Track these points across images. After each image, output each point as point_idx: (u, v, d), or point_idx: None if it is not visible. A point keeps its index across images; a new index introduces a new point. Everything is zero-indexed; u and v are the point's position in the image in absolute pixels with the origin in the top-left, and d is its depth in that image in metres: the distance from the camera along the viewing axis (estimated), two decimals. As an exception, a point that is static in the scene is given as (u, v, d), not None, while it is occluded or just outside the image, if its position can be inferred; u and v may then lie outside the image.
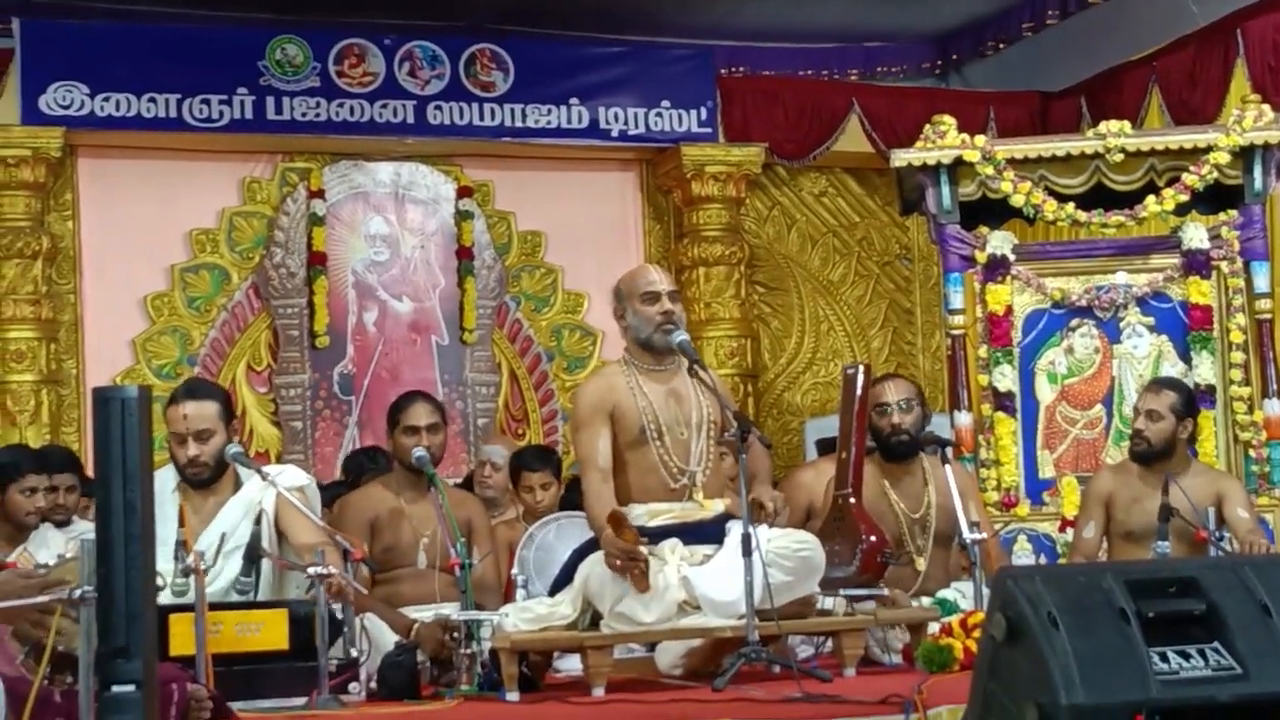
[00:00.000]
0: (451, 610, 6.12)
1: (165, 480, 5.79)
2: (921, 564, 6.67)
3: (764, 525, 5.60)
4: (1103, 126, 8.64)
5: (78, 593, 4.13)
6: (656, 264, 6.18)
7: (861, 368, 6.52)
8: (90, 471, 8.91)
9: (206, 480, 5.84)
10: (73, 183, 10.78)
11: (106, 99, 10.43)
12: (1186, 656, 3.44)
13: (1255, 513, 7.08)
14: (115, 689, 3.31)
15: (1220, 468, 8.00)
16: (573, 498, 7.63)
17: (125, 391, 3.40)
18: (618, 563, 5.43)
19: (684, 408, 5.83)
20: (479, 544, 6.55)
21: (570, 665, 6.02)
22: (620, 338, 6.09)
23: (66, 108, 10.36)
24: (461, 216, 11.37)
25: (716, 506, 5.80)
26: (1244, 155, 8.46)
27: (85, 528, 7.53)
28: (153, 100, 10.51)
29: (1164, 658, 3.41)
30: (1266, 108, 8.61)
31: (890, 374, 7.69)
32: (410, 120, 11.03)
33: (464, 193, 11.41)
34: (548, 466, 7.88)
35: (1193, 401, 7.24)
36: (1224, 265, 8.49)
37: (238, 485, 5.92)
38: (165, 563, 5.12)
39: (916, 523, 6.74)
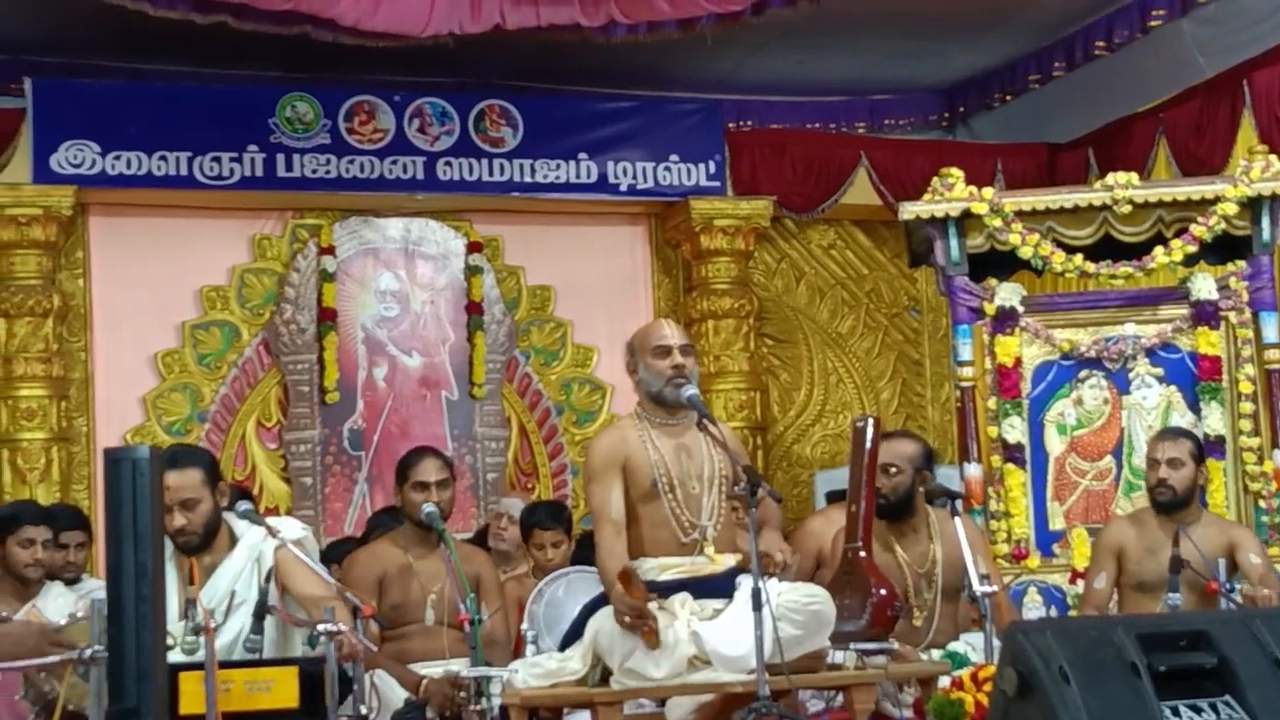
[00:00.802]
0: (460, 666, 6.12)
1: (166, 540, 5.78)
2: (918, 620, 6.65)
3: (773, 577, 5.59)
4: (1110, 178, 8.67)
5: (88, 652, 4.15)
6: (668, 318, 6.17)
7: (871, 421, 6.52)
8: (100, 530, 8.95)
9: (197, 547, 5.80)
10: (84, 241, 10.82)
11: (118, 157, 10.48)
12: (1198, 710, 3.44)
13: (1268, 559, 7.06)
14: (125, 750, 3.32)
15: (1230, 519, 7.98)
16: (583, 553, 7.63)
17: (136, 452, 3.42)
18: (627, 619, 5.42)
19: (695, 462, 5.83)
20: (488, 599, 6.55)
21: (580, 721, 6.01)
22: (632, 392, 6.09)
23: (78, 166, 10.41)
24: (471, 271, 11.40)
25: (727, 561, 5.79)
26: (1252, 206, 8.48)
27: (94, 585, 7.55)
28: (163, 158, 10.56)
29: (1175, 711, 3.41)
30: (1274, 158, 8.63)
31: (897, 432, 7.67)
32: (420, 176, 11.07)
33: (474, 248, 11.44)
34: (559, 524, 7.89)
35: (1203, 449, 7.25)
36: (1232, 315, 8.49)
37: (233, 542, 5.89)
38: (173, 622, 5.12)
39: (922, 577, 6.73)
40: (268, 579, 5.71)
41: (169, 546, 5.77)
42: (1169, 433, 7.31)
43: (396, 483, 6.84)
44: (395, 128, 11.01)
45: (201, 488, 5.78)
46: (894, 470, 6.74)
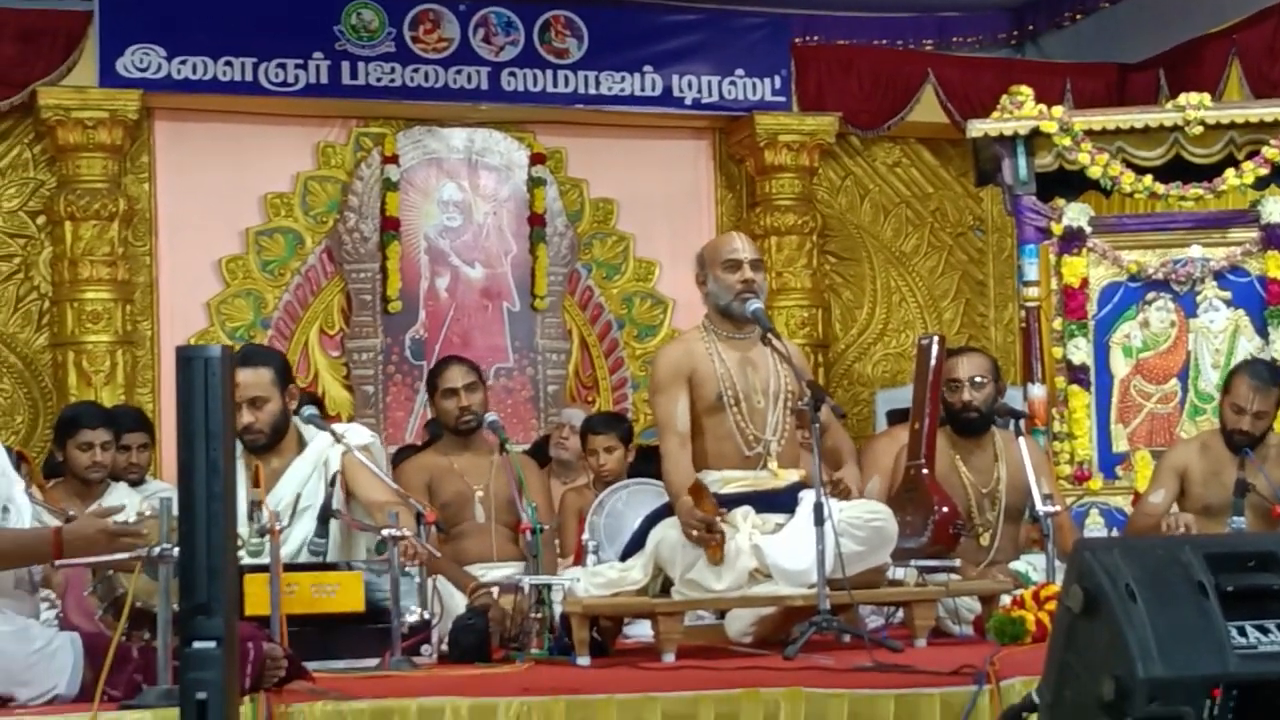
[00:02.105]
0: (512, 569, 6.18)
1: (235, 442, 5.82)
2: (986, 539, 6.65)
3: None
4: (1182, 99, 8.58)
5: (157, 550, 4.19)
6: (740, 233, 6.16)
7: (936, 339, 6.50)
8: (163, 432, 9.02)
9: (264, 446, 5.84)
10: (149, 145, 10.84)
11: (183, 62, 10.48)
12: (1265, 631, 3.42)
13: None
14: (196, 645, 3.34)
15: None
16: (644, 466, 7.65)
17: (208, 351, 3.43)
18: (694, 533, 5.43)
19: (760, 376, 5.83)
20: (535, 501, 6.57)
21: (641, 631, 6.04)
22: (696, 307, 6.09)
23: (144, 70, 10.42)
24: (534, 183, 11.38)
25: (790, 476, 5.79)
26: (1325, 129, 8.38)
27: (159, 487, 7.61)
28: (229, 64, 10.56)
29: (1242, 632, 3.40)
30: (1349, 80, 8.52)
31: (966, 348, 7.65)
32: (484, 86, 11.04)
33: (537, 159, 11.41)
34: (614, 431, 7.87)
35: None
36: (1303, 239, 8.40)
37: (301, 446, 5.92)
38: (239, 524, 5.16)
39: (986, 496, 6.71)
40: (332, 483, 5.76)
41: (238, 447, 5.83)
42: (1258, 380, 6.96)
43: (428, 395, 6.93)
44: (460, 37, 10.98)
45: (271, 387, 5.81)
46: (980, 381, 6.72)
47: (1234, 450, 6.88)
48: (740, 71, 11.49)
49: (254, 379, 5.80)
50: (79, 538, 4.40)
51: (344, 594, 5.30)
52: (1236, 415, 6.88)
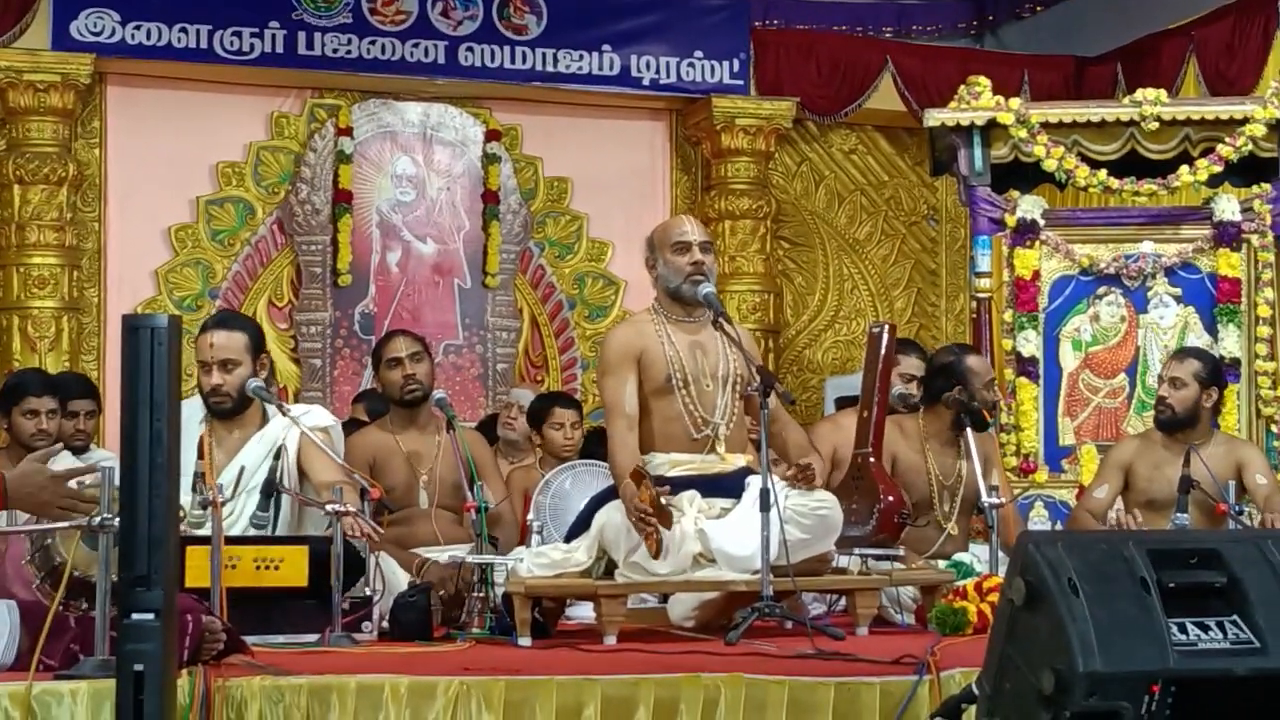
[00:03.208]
0: (459, 551, 6.14)
1: (193, 411, 5.81)
2: (952, 529, 6.68)
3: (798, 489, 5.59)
4: (1139, 94, 8.60)
5: (97, 519, 4.14)
6: (690, 215, 6.14)
7: (887, 328, 6.49)
8: (108, 400, 8.95)
9: (229, 411, 5.86)
10: (101, 110, 10.76)
11: (138, 27, 10.40)
12: (1205, 628, 3.43)
13: (1274, 480, 7.05)
14: (135, 616, 3.31)
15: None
16: (591, 447, 7.64)
17: (155, 320, 3.40)
18: (634, 519, 5.42)
19: (710, 360, 5.81)
20: (488, 481, 6.54)
21: (583, 613, 6.04)
22: (647, 288, 6.07)
23: (97, 34, 10.34)
24: (489, 160, 11.34)
25: (737, 460, 5.78)
26: (1279, 128, 8.41)
27: (102, 455, 7.55)
28: (184, 30, 10.48)
29: (1183, 628, 3.41)
30: (1304, 81, 8.56)
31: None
32: (441, 61, 10.99)
33: (492, 136, 11.38)
34: (577, 409, 7.93)
35: (1218, 371, 7.19)
36: (1254, 238, 8.45)
37: (264, 421, 5.92)
38: (184, 495, 5.12)
39: (947, 488, 6.74)
40: (276, 456, 5.73)
41: (197, 416, 5.81)
42: (1179, 352, 7.29)
43: (373, 368, 6.88)
44: (418, 10, 10.93)
45: (244, 352, 5.86)
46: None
47: (1160, 428, 6.93)
48: (699, 53, 11.47)
49: (228, 341, 5.85)
50: (26, 484, 4.30)
51: (288, 568, 5.27)
52: (1158, 387, 6.99)
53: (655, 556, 5.42)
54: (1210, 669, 3.39)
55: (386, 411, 7.11)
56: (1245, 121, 8.40)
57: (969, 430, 6.60)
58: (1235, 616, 3.46)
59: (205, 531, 5.14)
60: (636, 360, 5.74)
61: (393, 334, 7.05)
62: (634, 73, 11.35)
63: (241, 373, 5.84)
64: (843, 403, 8.74)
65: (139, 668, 3.31)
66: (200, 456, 5.61)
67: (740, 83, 11.52)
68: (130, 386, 3.37)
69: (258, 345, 5.97)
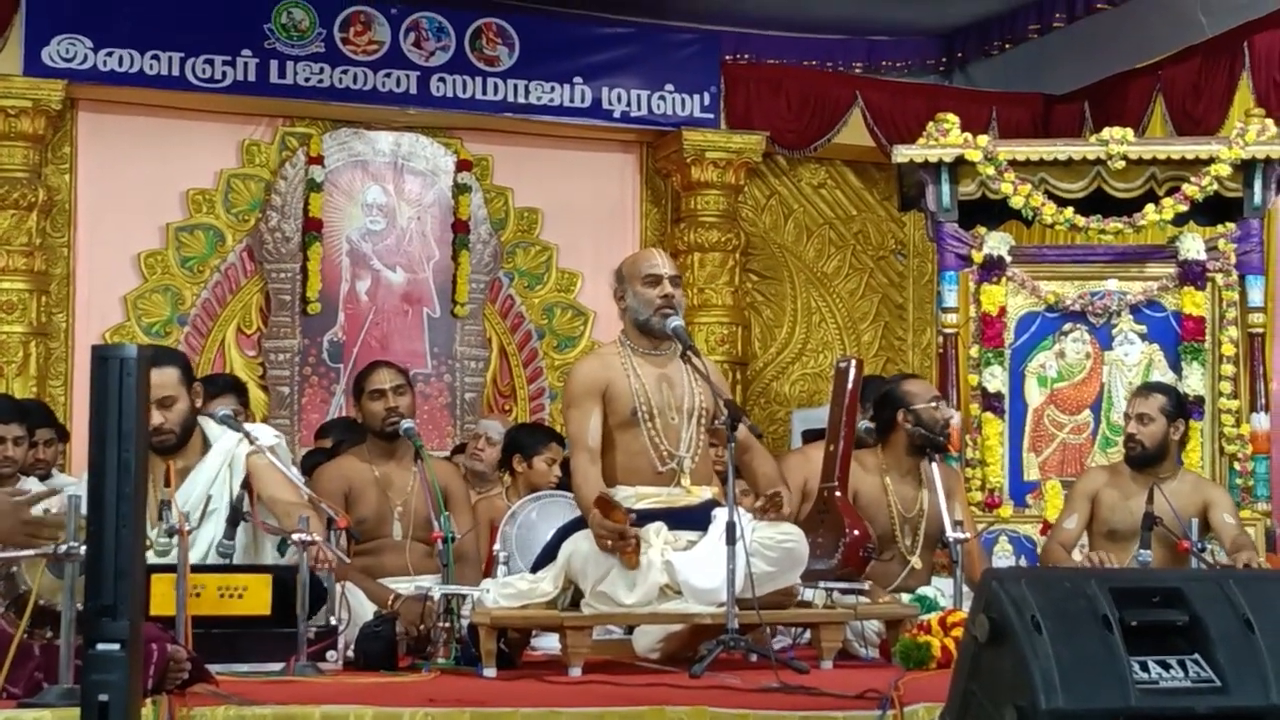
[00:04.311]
0: (428, 582, 6.13)
1: (143, 442, 5.78)
2: (916, 563, 6.69)
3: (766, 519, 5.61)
4: (1105, 133, 8.65)
5: (63, 548, 4.14)
6: (659, 248, 6.16)
7: (854, 363, 6.52)
8: (68, 425, 8.93)
9: (173, 446, 5.81)
10: (72, 136, 10.75)
11: (110, 54, 10.41)
12: (1167, 667, 3.45)
13: (1240, 520, 7.10)
14: (100, 647, 3.31)
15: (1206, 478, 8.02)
16: (566, 479, 7.66)
17: (124, 351, 3.40)
18: (609, 543, 5.43)
19: (676, 393, 5.83)
20: (457, 514, 6.54)
21: (548, 644, 6.04)
22: (616, 319, 6.09)
23: (69, 61, 10.34)
24: (459, 190, 11.36)
25: (704, 493, 5.80)
26: (1245, 169, 8.48)
27: (65, 481, 7.53)
28: (156, 58, 10.49)
29: (1144, 667, 3.42)
30: (1270, 122, 8.62)
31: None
32: (413, 91, 11.02)
33: (463, 166, 11.40)
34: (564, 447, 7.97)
35: (1183, 404, 7.25)
36: (1219, 277, 8.50)
37: (206, 446, 5.88)
38: (148, 524, 5.12)
39: (908, 521, 6.75)
40: (244, 485, 5.72)
41: (144, 450, 5.78)
42: (1144, 388, 7.32)
43: (354, 397, 6.85)
44: (390, 40, 10.96)
45: (179, 386, 5.80)
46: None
47: (1131, 465, 6.97)
48: (670, 87, 11.52)
49: (161, 379, 5.72)
50: None
51: (251, 596, 5.26)
52: (1125, 424, 7.04)
53: (634, 568, 5.43)
54: (1172, 707, 3.40)
55: (352, 442, 7.09)
56: (1211, 161, 8.46)
57: (932, 462, 6.61)
58: (1197, 655, 3.48)
59: (170, 560, 5.13)
60: (601, 394, 5.76)
61: (376, 365, 6.97)
62: (605, 105, 11.39)
63: (181, 408, 5.79)
64: (810, 435, 8.76)
65: (104, 698, 3.30)
66: (166, 484, 5.60)
67: (710, 116, 11.57)
68: (98, 417, 3.37)
69: (189, 375, 5.93)
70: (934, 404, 6.78)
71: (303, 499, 5.67)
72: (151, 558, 5.21)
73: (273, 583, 5.28)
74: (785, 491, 5.82)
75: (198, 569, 5.30)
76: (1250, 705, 3.42)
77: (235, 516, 5.61)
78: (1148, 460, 6.93)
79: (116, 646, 3.31)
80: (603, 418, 5.77)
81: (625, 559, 5.42)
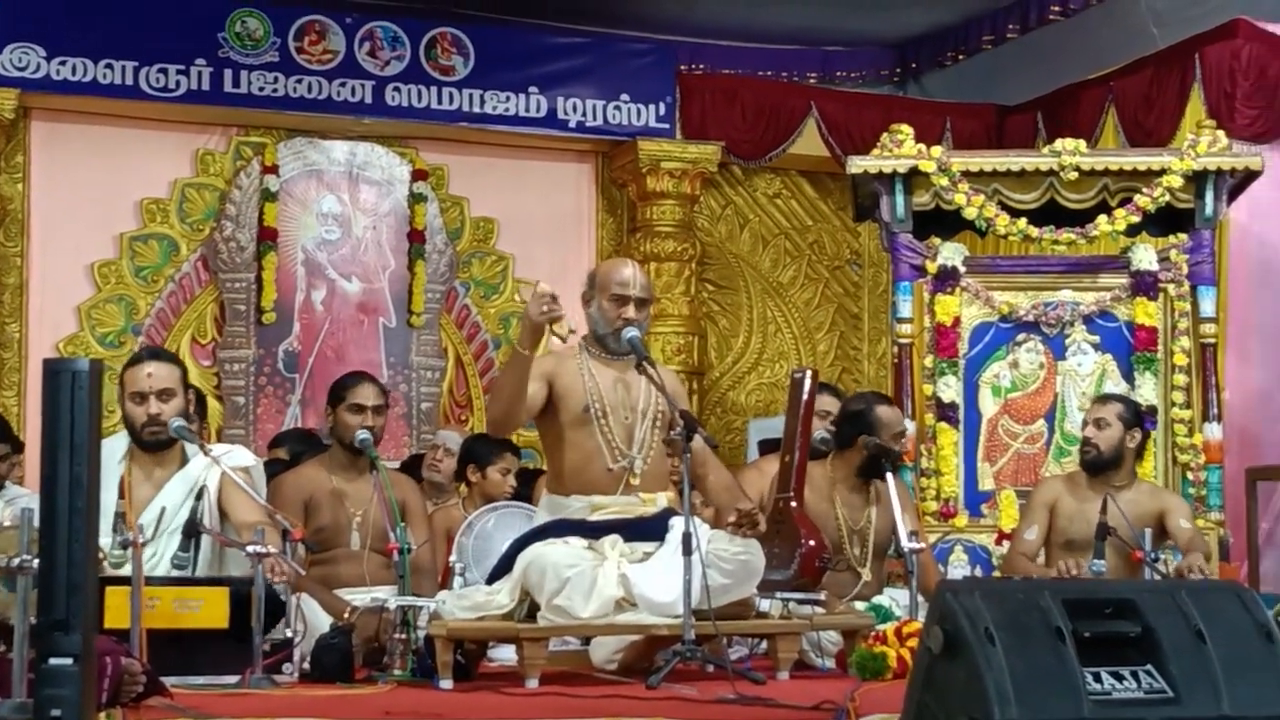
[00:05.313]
0: (385, 593, 6.11)
1: (114, 449, 5.78)
2: (866, 574, 6.71)
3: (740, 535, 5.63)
4: (1058, 144, 8.70)
5: (15, 561, 4.12)
6: (638, 265, 6.13)
7: (809, 373, 6.54)
8: (21, 435, 8.88)
9: (165, 443, 5.83)
10: (24, 145, 10.68)
11: (63, 63, 10.35)
12: (1120, 678, 3.47)
13: (1197, 526, 7.14)
14: (53, 661, 3.30)
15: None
16: (519, 489, 7.67)
17: (76, 364, 3.38)
18: (542, 309, 5.43)
19: (632, 394, 5.84)
20: (414, 526, 6.53)
21: (505, 655, 6.03)
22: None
23: (22, 69, 10.27)
24: (415, 199, 11.35)
25: (659, 501, 5.80)
26: (1196, 180, 8.54)
27: (18, 493, 7.50)
28: (109, 66, 10.44)
29: (1097, 678, 3.45)
30: (1221, 133, 8.69)
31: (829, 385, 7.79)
32: (368, 100, 11.00)
33: (418, 176, 11.39)
34: (520, 457, 7.99)
35: (1140, 414, 7.30)
36: (1171, 288, 8.56)
37: (184, 461, 5.91)
38: (104, 535, 5.10)
39: (856, 533, 6.77)
40: (198, 497, 5.71)
41: (119, 455, 5.78)
42: (1100, 396, 7.39)
43: (330, 404, 6.79)
44: (345, 50, 10.93)
45: (179, 384, 5.94)
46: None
47: (1086, 470, 7.01)
48: (625, 97, 11.53)
49: (166, 372, 5.90)
50: None
51: (208, 609, 5.25)
52: (1083, 429, 7.07)
53: (564, 335, 5.45)
54: (1125, 718, 3.43)
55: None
56: (1163, 173, 8.52)
57: (888, 475, 6.64)
58: (1149, 666, 3.51)
59: (125, 572, 5.11)
60: (548, 381, 5.75)
61: (361, 378, 6.87)
62: (560, 115, 11.39)
63: (177, 403, 5.87)
64: (766, 445, 8.78)
65: (56, 713, 3.28)
66: (121, 496, 5.59)
67: (666, 126, 11.58)
68: (50, 430, 3.35)
69: (186, 380, 6.01)
70: (898, 440, 6.82)
71: (267, 519, 5.66)
72: (107, 569, 5.21)
73: (230, 595, 5.27)
74: (748, 505, 5.83)
75: (154, 581, 5.29)
76: (1202, 716, 3.45)
77: (191, 529, 5.60)
78: (1103, 466, 6.98)
79: (69, 661, 3.30)
80: (554, 417, 5.77)
81: (558, 325, 5.44)
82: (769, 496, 6.53)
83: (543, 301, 5.46)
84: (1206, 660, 3.50)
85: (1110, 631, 3.53)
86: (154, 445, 5.84)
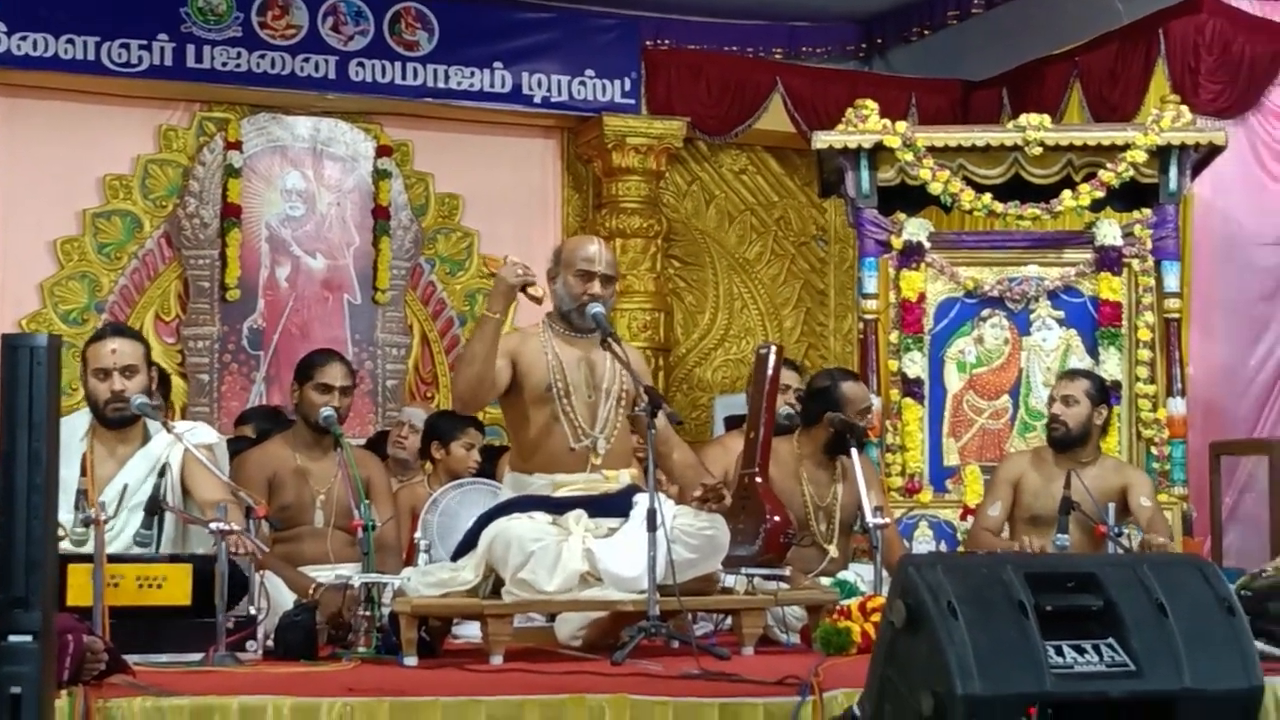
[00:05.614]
0: (349, 570, 6.10)
1: (76, 426, 5.75)
2: (833, 550, 6.72)
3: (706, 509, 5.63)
4: (1023, 119, 8.72)
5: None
6: (603, 241, 6.11)
7: (774, 348, 6.54)
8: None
9: (127, 420, 5.80)
10: (-14, 121, 10.64)
11: (24, 38, 10.29)
12: (1081, 651, 3.49)
13: (1158, 503, 7.16)
14: (12, 639, 3.28)
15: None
16: (484, 466, 7.65)
17: (35, 340, 3.36)
18: (520, 273, 5.53)
19: (596, 373, 5.82)
20: (379, 504, 6.51)
21: (470, 632, 6.02)
22: (534, 307, 6.05)
23: (-17, 45, 10.23)
24: (379, 175, 11.31)
25: (622, 478, 5.79)
26: (1160, 155, 8.56)
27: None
28: (71, 42, 10.38)
29: (1059, 651, 3.46)
30: (1185, 108, 8.71)
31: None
32: (332, 76, 10.96)
33: (383, 152, 11.35)
34: (484, 433, 7.96)
35: (1106, 390, 7.32)
36: (1135, 263, 8.59)
37: (146, 438, 5.88)
38: (66, 512, 5.07)
39: (822, 509, 6.77)
40: (160, 474, 5.69)
41: (80, 432, 5.75)
42: (1068, 372, 7.39)
43: (296, 381, 6.74)
44: (309, 24, 10.89)
45: (143, 361, 5.89)
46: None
47: (1054, 447, 7.03)
48: (590, 72, 11.50)
49: (130, 349, 5.86)
50: None
51: (171, 586, 5.23)
52: (1049, 407, 7.09)
53: (539, 298, 5.54)
54: (1086, 691, 3.44)
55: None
56: (1127, 148, 8.54)
57: (853, 450, 6.64)
58: (1111, 639, 3.52)
59: (88, 549, 5.09)
60: (511, 358, 5.74)
61: (330, 357, 6.80)
62: (525, 90, 11.36)
63: (141, 380, 5.82)
64: (732, 421, 8.78)
65: (16, 690, 3.27)
66: (83, 473, 5.55)
67: (631, 102, 11.57)
68: (8, 406, 3.33)
69: (149, 359, 5.97)
70: (864, 416, 6.82)
71: (231, 497, 5.64)
72: (69, 547, 5.18)
73: (193, 572, 5.25)
74: (711, 481, 5.83)
75: (116, 559, 5.26)
76: (1163, 689, 3.47)
77: (153, 507, 5.58)
78: (1070, 442, 6.99)
79: (29, 638, 3.28)
80: (518, 395, 5.76)
81: (532, 290, 5.52)
82: (733, 473, 6.53)
83: (518, 266, 5.48)
84: (1168, 633, 3.51)
85: (1072, 605, 3.54)
86: (117, 422, 5.81)
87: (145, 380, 5.86)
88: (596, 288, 5.80)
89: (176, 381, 10.67)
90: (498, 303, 5.62)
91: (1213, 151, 8.74)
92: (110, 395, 5.79)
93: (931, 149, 8.60)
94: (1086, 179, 8.63)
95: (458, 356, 5.63)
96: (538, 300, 5.60)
